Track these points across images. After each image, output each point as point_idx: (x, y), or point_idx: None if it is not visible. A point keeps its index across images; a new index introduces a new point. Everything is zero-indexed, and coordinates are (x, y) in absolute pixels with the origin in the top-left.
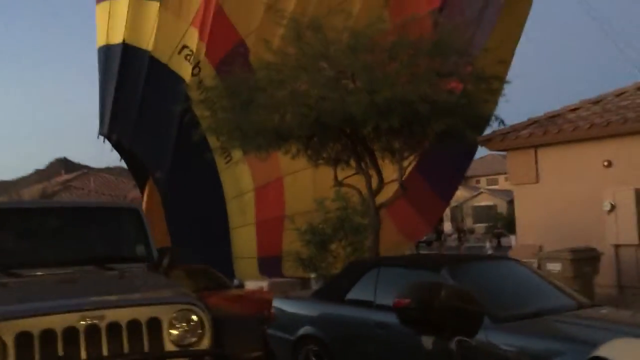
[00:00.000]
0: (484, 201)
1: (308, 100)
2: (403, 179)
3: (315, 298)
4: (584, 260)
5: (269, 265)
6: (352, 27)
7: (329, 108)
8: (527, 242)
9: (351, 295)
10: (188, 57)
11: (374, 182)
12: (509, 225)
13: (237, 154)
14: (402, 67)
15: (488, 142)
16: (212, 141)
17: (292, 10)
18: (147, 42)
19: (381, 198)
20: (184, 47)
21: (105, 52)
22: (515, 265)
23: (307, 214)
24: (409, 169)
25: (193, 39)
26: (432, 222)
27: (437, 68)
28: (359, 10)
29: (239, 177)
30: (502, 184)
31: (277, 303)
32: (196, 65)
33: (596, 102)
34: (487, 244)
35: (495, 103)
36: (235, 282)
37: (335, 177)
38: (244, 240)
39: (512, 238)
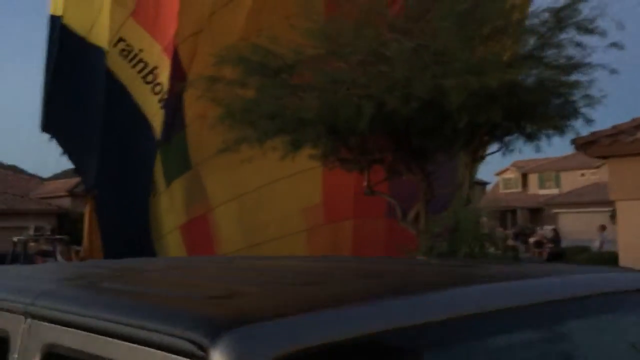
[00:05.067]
0: None
1: (387, 81)
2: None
3: None
4: None
5: None
6: None
7: (418, 93)
8: None
9: None
10: (124, 53)
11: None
12: None
13: (162, 181)
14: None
15: (588, 145)
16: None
17: None
18: (84, 23)
19: None
20: (120, 40)
21: (53, 23)
22: None
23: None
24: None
25: (132, 32)
26: None
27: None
28: None
29: (164, 211)
30: None
31: None
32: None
33: None
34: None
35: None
36: None
37: (368, 182)
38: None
39: None
